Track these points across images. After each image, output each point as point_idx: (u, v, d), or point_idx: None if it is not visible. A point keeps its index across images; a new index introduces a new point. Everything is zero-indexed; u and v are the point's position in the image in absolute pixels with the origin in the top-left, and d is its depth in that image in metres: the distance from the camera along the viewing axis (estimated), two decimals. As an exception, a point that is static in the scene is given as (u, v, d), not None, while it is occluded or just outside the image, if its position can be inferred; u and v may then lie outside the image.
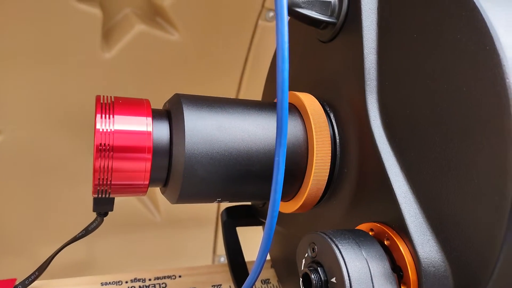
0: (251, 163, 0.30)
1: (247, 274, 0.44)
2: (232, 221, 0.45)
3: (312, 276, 0.25)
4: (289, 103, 0.34)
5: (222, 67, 0.86)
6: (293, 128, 0.31)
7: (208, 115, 0.29)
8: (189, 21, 0.79)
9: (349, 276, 0.24)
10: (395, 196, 0.26)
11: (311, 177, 0.30)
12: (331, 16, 0.32)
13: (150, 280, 0.42)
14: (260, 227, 0.48)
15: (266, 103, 0.33)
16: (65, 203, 0.86)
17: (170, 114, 0.30)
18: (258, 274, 0.28)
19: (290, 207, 0.33)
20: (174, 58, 0.82)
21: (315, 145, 0.30)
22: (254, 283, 0.29)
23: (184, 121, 0.28)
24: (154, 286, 0.42)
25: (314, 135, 0.31)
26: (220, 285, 0.44)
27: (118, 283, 0.41)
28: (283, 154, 0.24)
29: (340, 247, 0.25)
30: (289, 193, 0.32)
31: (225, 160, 0.29)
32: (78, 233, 0.37)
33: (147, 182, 0.29)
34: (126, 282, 0.42)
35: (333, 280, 0.24)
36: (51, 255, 0.38)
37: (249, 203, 0.47)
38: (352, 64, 0.31)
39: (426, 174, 0.26)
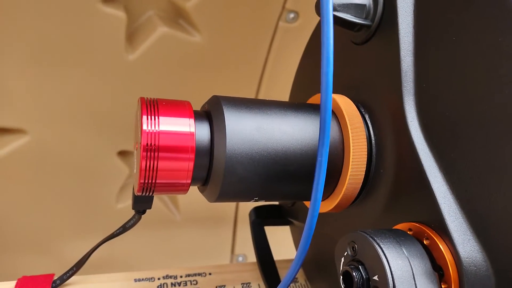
0: (289, 163, 0.30)
1: (276, 272, 0.44)
2: (260, 220, 0.46)
3: (354, 274, 0.26)
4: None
5: (242, 69, 0.87)
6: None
7: (247, 116, 0.30)
8: (211, 22, 0.80)
9: (392, 274, 0.24)
10: (435, 197, 0.27)
11: (348, 177, 0.31)
12: (365, 18, 0.33)
13: (181, 277, 0.43)
14: (286, 227, 0.49)
15: (302, 105, 0.33)
16: (88, 201, 0.88)
17: (210, 115, 0.30)
18: (295, 273, 0.29)
19: (324, 206, 0.33)
20: (195, 59, 0.83)
21: (351, 145, 0.31)
22: (290, 283, 0.29)
23: (225, 122, 0.29)
24: (186, 283, 0.43)
25: (350, 135, 0.31)
26: (250, 283, 0.44)
27: (151, 280, 0.42)
28: (326, 154, 0.25)
29: (381, 245, 0.25)
30: (324, 192, 0.33)
31: (264, 160, 0.30)
32: (116, 230, 0.38)
33: (189, 181, 0.29)
34: (159, 278, 0.43)
35: (375, 278, 0.25)
36: (89, 251, 0.39)
37: (277, 202, 0.48)
38: (388, 66, 0.31)
39: (467, 174, 0.26)
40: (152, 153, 0.28)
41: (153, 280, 0.43)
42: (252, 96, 0.89)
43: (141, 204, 0.35)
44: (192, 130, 0.29)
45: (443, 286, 0.26)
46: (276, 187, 0.31)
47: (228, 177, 0.29)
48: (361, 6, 0.33)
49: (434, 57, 0.29)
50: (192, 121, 0.29)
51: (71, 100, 0.77)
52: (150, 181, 0.28)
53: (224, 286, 0.43)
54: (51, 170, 0.82)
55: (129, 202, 0.90)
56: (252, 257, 1.04)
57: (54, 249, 0.87)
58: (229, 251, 1.04)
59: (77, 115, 0.79)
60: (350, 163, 0.31)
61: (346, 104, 0.33)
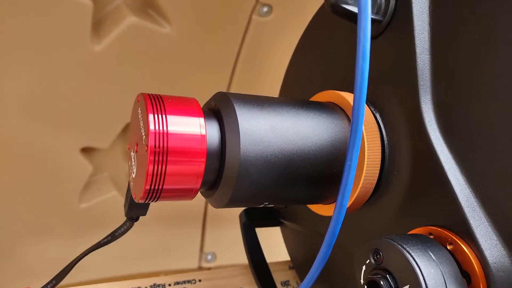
0: (303, 165, 0.29)
1: (270, 276, 0.43)
2: (251, 222, 0.44)
3: (382, 283, 0.24)
4: (333, 103, 0.33)
5: (213, 63, 0.84)
6: (342, 129, 0.30)
7: (260, 116, 0.28)
8: (182, 13, 0.76)
9: (426, 283, 0.23)
10: (458, 200, 0.26)
11: (362, 179, 0.30)
12: (377, 14, 0.32)
13: (170, 285, 0.40)
14: (276, 228, 0.47)
15: (312, 103, 0.32)
16: (49, 202, 0.82)
17: (219, 113, 0.28)
18: (315, 279, 0.27)
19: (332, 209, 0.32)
20: (165, 52, 0.80)
21: (366, 146, 0.30)
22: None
23: (238, 122, 0.27)
24: (175, 291, 0.40)
25: (365, 136, 0.30)
26: (241, 288, 0.42)
27: (137, 290, 0.39)
28: (356, 158, 0.23)
29: (412, 253, 0.24)
30: (333, 195, 0.32)
31: (278, 162, 0.28)
32: (103, 239, 0.35)
33: (198, 186, 0.27)
34: (146, 288, 0.40)
35: (406, 287, 0.24)
36: (72, 262, 0.35)
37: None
38: (402, 63, 0.30)
39: (491, 177, 0.25)
40: (161, 157, 0.25)
41: (139, 289, 0.40)
42: (224, 90, 0.87)
43: (136, 210, 0.32)
44: (203, 131, 0.26)
45: (471, 293, 0.25)
46: (289, 190, 0.29)
47: (241, 181, 0.27)
48: (373, 1, 0.31)
49: (454, 55, 0.28)
50: (202, 120, 0.27)
51: (29, 92, 0.71)
52: (156, 187, 0.26)
53: (216, 292, 0.41)
54: (7, 168, 0.75)
55: (93, 201, 0.86)
56: (221, 256, 1.01)
57: (15, 253, 0.81)
58: (197, 250, 1.01)
59: (37, 109, 0.73)
60: (365, 164, 0.30)
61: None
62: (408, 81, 0.30)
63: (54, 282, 0.35)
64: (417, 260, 0.24)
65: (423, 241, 0.25)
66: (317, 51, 0.40)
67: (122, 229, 0.34)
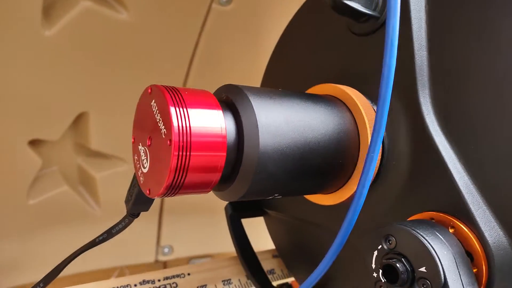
0: (313, 157, 0.29)
1: (260, 265, 0.43)
2: (237, 214, 0.44)
3: (398, 266, 0.26)
4: (333, 96, 0.34)
5: (171, 51, 0.82)
6: (346, 121, 0.32)
7: (274, 108, 0.28)
8: (140, -1, 0.73)
9: (441, 264, 0.25)
10: (458, 187, 0.28)
11: (366, 169, 0.31)
12: (374, 10, 0.33)
13: (159, 280, 0.40)
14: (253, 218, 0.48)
15: (315, 96, 0.32)
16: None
17: (233, 106, 0.28)
18: (327, 268, 0.28)
19: (335, 198, 0.33)
20: (120, 39, 0.77)
21: (369, 138, 0.31)
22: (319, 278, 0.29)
23: (256, 114, 0.27)
24: (165, 286, 0.39)
25: (368, 127, 0.31)
26: (230, 279, 0.43)
27: (126, 287, 0.38)
28: (378, 150, 0.25)
29: (426, 237, 0.26)
30: (335, 185, 0.33)
31: (293, 155, 0.28)
32: (98, 237, 0.33)
33: (217, 180, 0.27)
34: (135, 285, 0.39)
35: (422, 269, 0.26)
36: (62, 263, 0.33)
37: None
38: (399, 59, 0.32)
39: (488, 165, 0.28)
40: (184, 152, 0.24)
41: (129, 287, 0.38)
42: (181, 81, 0.85)
43: (140, 206, 0.31)
44: (223, 124, 0.26)
45: (473, 271, 0.27)
46: (299, 182, 0.30)
47: (259, 174, 0.27)
48: (371, -2, 0.33)
49: (451, 51, 0.30)
50: (220, 113, 0.26)
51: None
52: (178, 182, 0.25)
53: (205, 285, 0.41)
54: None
55: (42, 197, 0.80)
56: (178, 249, 1.00)
57: None
58: (154, 243, 0.99)
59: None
60: (369, 155, 0.31)
61: (358, 96, 0.33)
62: (406, 76, 0.31)
63: (41, 285, 0.33)
64: (431, 243, 0.25)
65: (431, 226, 0.27)
66: (305, 44, 0.41)
67: (120, 226, 0.32)
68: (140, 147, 0.28)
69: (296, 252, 0.43)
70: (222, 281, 0.42)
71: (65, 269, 0.86)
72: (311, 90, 0.36)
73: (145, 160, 0.27)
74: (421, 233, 0.26)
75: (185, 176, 0.25)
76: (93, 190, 0.87)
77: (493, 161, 0.28)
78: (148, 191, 0.27)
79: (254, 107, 0.27)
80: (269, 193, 0.29)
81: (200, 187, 0.27)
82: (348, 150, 0.31)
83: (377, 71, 0.34)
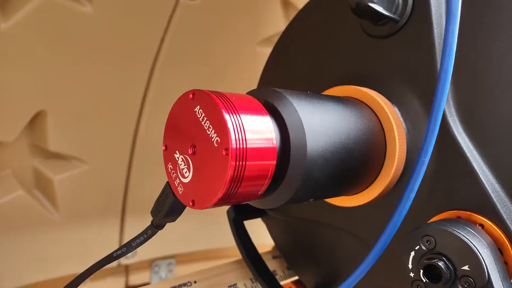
0: (351, 160, 0.29)
1: (266, 267, 0.43)
2: (240, 217, 0.43)
3: (440, 265, 0.27)
4: (356, 99, 0.34)
5: (135, 47, 0.78)
6: (372, 123, 0.32)
7: (315, 112, 0.28)
8: (104, -9, 0.69)
9: (484, 262, 0.26)
10: (485, 187, 0.30)
11: (393, 169, 0.32)
12: (394, 13, 0.33)
13: (167, 291, 0.38)
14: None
15: (343, 99, 0.32)
16: None
17: (275, 111, 0.27)
18: (365, 272, 0.28)
19: (361, 198, 0.33)
20: (83, 33, 0.72)
21: (397, 138, 0.32)
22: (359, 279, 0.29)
23: (302, 120, 0.26)
24: (175, 297, 0.38)
25: (395, 129, 0.32)
26: (236, 284, 0.42)
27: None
28: (429, 153, 0.25)
29: (467, 236, 0.27)
30: (360, 187, 0.33)
31: (333, 160, 0.28)
32: (116, 250, 0.31)
33: (265, 188, 0.26)
34: (144, 298, 0.37)
35: (465, 268, 0.27)
36: (78, 278, 0.31)
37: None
38: (420, 64, 0.33)
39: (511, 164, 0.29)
40: (240, 161, 0.23)
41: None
42: (145, 77, 0.82)
43: (170, 217, 0.29)
44: (273, 130, 0.25)
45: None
46: (337, 186, 0.30)
47: (306, 181, 0.26)
48: (392, 1, 0.33)
49: (473, 52, 0.31)
50: (269, 119, 0.25)
51: None
52: (231, 192, 0.24)
53: (214, 292, 0.40)
54: None
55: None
56: (142, 251, 0.96)
57: None
58: (116, 246, 0.95)
59: None
60: (397, 155, 0.31)
61: (382, 99, 0.33)
62: (427, 79, 0.32)
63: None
64: (473, 242, 0.27)
65: (465, 225, 0.28)
66: (311, 45, 0.41)
67: (142, 238, 0.30)
68: (177, 155, 0.26)
69: (298, 251, 0.43)
70: (229, 286, 0.41)
71: (26, 278, 0.80)
72: (328, 92, 0.36)
73: (185, 169, 0.26)
74: (462, 233, 0.27)
75: (239, 186, 0.24)
76: (50, 194, 0.82)
77: (516, 161, 0.29)
78: (191, 203, 0.25)
79: (299, 113, 0.26)
80: (307, 199, 0.29)
81: (248, 196, 0.26)
82: (376, 152, 0.32)
83: (394, 73, 0.34)
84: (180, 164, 0.26)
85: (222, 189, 0.23)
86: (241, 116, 0.24)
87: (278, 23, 0.87)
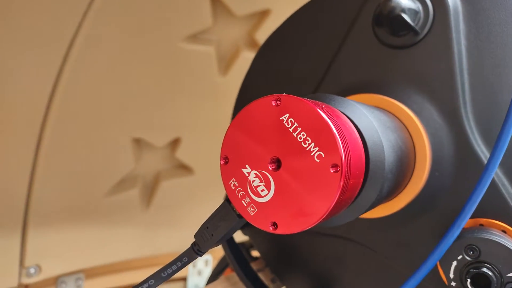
0: (403, 173, 0.29)
1: (260, 280, 0.40)
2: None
3: (490, 273, 0.28)
4: (381, 108, 0.33)
5: (42, 43, 0.68)
6: (404, 133, 0.32)
7: (375, 123, 0.26)
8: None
9: (528, 267, 0.28)
10: (504, 195, 0.32)
11: (423, 180, 0.32)
12: (416, 25, 0.34)
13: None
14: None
15: (378, 110, 0.31)
16: None
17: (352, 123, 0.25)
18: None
19: (387, 209, 0.33)
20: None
21: (427, 147, 0.32)
22: None
23: (377, 130, 0.25)
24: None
25: (424, 139, 0.32)
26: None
27: None
28: (496, 167, 0.26)
29: (509, 244, 0.28)
30: (387, 196, 0.33)
31: (397, 173, 0.27)
32: (139, 285, 0.25)
33: (348, 204, 0.24)
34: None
35: (510, 274, 0.28)
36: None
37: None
38: (440, 76, 0.34)
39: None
40: (347, 180, 0.21)
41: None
42: (52, 79, 0.71)
43: (220, 242, 0.25)
44: (361, 142, 0.23)
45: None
46: (385, 198, 0.29)
47: (378, 196, 0.25)
48: (415, 12, 0.33)
49: (488, 67, 0.33)
50: (354, 129, 0.23)
51: None
52: (332, 213, 0.21)
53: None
54: None
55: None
56: (48, 268, 0.84)
57: None
58: (16, 264, 0.81)
59: None
60: (427, 167, 0.32)
61: (407, 109, 0.33)
62: (446, 90, 0.33)
63: None
64: (515, 249, 0.28)
65: (498, 233, 0.30)
66: (312, 50, 0.39)
67: (175, 267, 0.25)
68: (247, 170, 0.22)
69: (284, 258, 0.41)
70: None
71: None
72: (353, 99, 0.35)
73: (261, 187, 0.22)
74: (505, 241, 0.28)
75: (341, 206, 0.21)
76: None
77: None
78: (272, 226, 0.22)
79: (372, 121, 0.25)
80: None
81: (335, 214, 0.23)
82: (410, 162, 0.31)
83: (410, 83, 0.35)
84: (253, 181, 0.22)
85: (326, 210, 0.21)
86: (343, 130, 0.21)
87: (204, 20, 0.83)
